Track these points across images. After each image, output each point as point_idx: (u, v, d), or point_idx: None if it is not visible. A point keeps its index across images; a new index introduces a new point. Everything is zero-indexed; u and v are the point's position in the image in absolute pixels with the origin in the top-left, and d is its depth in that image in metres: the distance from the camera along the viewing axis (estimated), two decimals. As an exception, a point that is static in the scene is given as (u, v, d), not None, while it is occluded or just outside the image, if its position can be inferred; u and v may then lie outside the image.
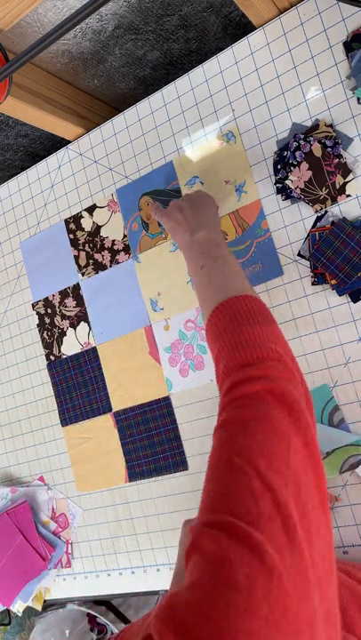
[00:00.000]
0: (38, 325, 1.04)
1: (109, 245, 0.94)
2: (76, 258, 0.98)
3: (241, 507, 0.34)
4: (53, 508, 1.01)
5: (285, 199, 0.78)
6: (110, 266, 0.94)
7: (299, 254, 0.77)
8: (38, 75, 0.91)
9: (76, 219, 0.98)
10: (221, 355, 0.49)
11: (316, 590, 0.32)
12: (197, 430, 0.86)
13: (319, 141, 0.74)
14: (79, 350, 0.98)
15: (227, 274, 0.58)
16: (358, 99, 0.72)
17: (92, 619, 1.27)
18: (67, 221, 1.00)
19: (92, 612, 1.12)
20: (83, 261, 0.97)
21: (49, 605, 1.18)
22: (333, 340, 0.75)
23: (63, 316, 1.00)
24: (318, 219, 0.75)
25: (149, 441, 0.91)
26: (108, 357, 0.95)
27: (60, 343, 1.01)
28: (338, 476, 0.74)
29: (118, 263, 0.93)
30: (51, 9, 0.79)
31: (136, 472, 0.92)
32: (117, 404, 0.94)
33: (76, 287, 0.99)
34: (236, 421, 0.41)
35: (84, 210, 0.97)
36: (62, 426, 1.01)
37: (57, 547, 0.98)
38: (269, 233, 0.79)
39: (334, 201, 0.74)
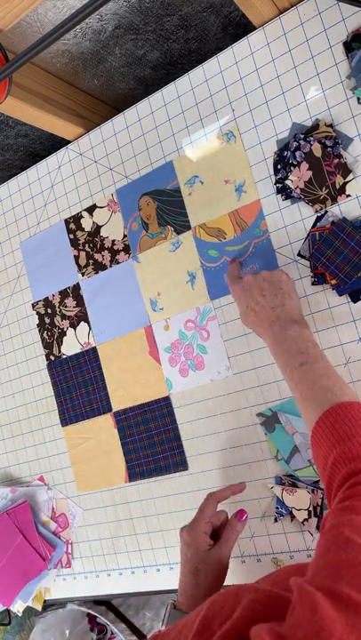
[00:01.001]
0: (38, 325, 1.04)
1: (109, 245, 0.94)
2: (76, 258, 0.98)
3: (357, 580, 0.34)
4: (53, 508, 1.01)
5: (285, 199, 0.78)
6: (110, 266, 0.94)
7: (299, 254, 0.77)
8: (38, 75, 0.91)
9: (76, 219, 0.98)
10: (335, 450, 0.50)
11: None
12: (197, 430, 0.86)
13: (319, 141, 0.74)
14: (79, 350, 0.98)
15: (330, 376, 0.59)
16: (358, 99, 0.72)
17: (92, 619, 1.27)
18: (67, 221, 1.00)
19: (92, 612, 1.12)
20: (83, 261, 0.97)
21: (49, 605, 1.18)
22: (333, 340, 0.75)
23: (63, 316, 1.00)
24: (318, 219, 0.75)
25: (149, 441, 0.91)
26: (108, 357, 0.95)
27: (60, 343, 1.01)
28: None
29: (118, 263, 0.93)
30: (51, 9, 0.79)
31: (136, 472, 0.92)
32: (117, 404, 0.94)
33: (76, 287, 0.99)
34: None
35: (84, 210, 0.98)
36: (62, 426, 1.01)
37: (57, 547, 0.98)
38: (268, 234, 0.79)
39: (334, 201, 0.74)
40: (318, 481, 0.76)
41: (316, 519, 0.74)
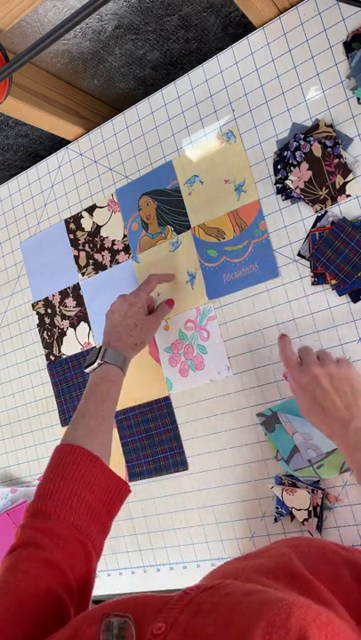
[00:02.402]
0: (38, 325, 1.04)
1: (109, 245, 0.94)
2: (76, 258, 0.98)
3: None
4: (53, 508, 1.01)
5: (285, 199, 0.78)
6: (110, 266, 0.94)
7: (299, 254, 0.77)
8: (38, 75, 0.91)
9: (76, 219, 0.98)
10: None
11: None
12: (197, 430, 0.86)
13: (319, 141, 0.74)
14: (79, 350, 0.98)
15: None
16: (358, 99, 0.72)
17: (91, 619, 1.27)
18: (67, 221, 1.00)
19: (92, 612, 1.12)
20: (83, 261, 0.97)
21: (49, 605, 1.18)
22: (333, 340, 0.75)
23: (63, 316, 1.00)
24: (318, 219, 0.75)
25: (149, 441, 0.91)
26: (108, 357, 0.95)
27: (60, 343, 1.01)
28: (338, 476, 0.74)
29: (118, 263, 0.93)
30: (51, 9, 0.79)
31: (136, 472, 0.92)
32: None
33: (76, 287, 0.99)
34: None
35: (84, 210, 0.97)
36: (62, 426, 1.01)
37: (57, 547, 0.98)
38: (267, 234, 0.79)
39: (334, 201, 0.74)
40: (318, 481, 0.76)
41: (316, 519, 0.74)
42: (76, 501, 0.59)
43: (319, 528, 0.75)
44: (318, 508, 0.74)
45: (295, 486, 0.76)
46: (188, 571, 0.87)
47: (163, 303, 0.86)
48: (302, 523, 0.75)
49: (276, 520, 0.78)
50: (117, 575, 0.95)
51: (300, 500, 0.75)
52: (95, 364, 0.75)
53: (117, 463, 0.94)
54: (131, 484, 0.93)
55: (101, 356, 0.75)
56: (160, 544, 0.90)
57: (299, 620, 0.33)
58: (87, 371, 0.76)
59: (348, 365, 0.66)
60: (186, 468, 0.87)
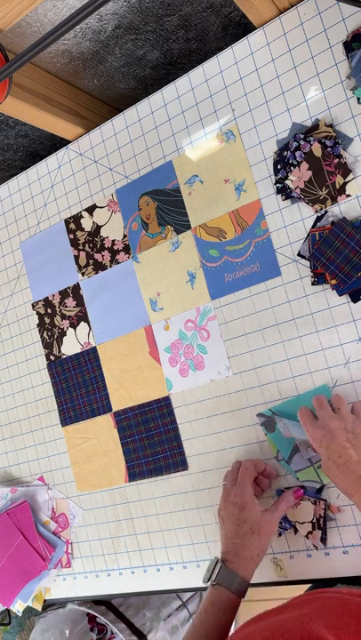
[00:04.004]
0: (38, 325, 1.04)
1: (109, 245, 0.95)
2: (76, 258, 0.98)
3: None
4: (53, 508, 1.01)
5: (285, 199, 0.78)
6: (110, 266, 0.94)
7: (299, 254, 0.77)
8: (38, 75, 0.91)
9: (76, 219, 0.98)
10: None
11: None
12: (197, 430, 0.86)
13: (319, 141, 0.74)
14: (79, 350, 0.98)
15: None
16: (358, 99, 0.72)
17: (92, 619, 1.27)
18: (67, 221, 1.00)
19: (92, 612, 1.12)
20: (83, 261, 0.98)
21: (49, 605, 1.18)
22: (333, 340, 0.75)
23: (63, 316, 1.00)
24: (318, 219, 0.75)
25: (149, 441, 0.91)
26: (108, 357, 0.95)
27: (60, 343, 1.01)
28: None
29: (118, 263, 0.93)
30: (51, 9, 0.79)
31: (136, 472, 0.92)
32: (117, 404, 0.94)
33: (76, 287, 0.99)
34: None
35: (84, 210, 0.98)
36: (62, 426, 1.01)
37: (57, 547, 0.98)
38: (268, 233, 0.79)
39: (334, 201, 0.74)
40: (321, 489, 0.75)
41: (320, 531, 0.74)
42: None
43: (324, 540, 0.74)
44: (322, 520, 0.74)
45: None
46: (188, 571, 0.87)
47: (284, 497, 0.73)
48: (306, 536, 0.75)
49: (279, 535, 0.78)
50: (117, 575, 0.95)
51: (302, 512, 0.75)
52: (208, 583, 0.68)
53: (117, 463, 0.94)
54: (131, 483, 0.93)
55: (215, 575, 0.68)
56: (160, 544, 0.90)
57: None
58: (205, 585, 0.69)
59: None
60: (186, 468, 0.87)
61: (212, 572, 0.68)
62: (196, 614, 0.68)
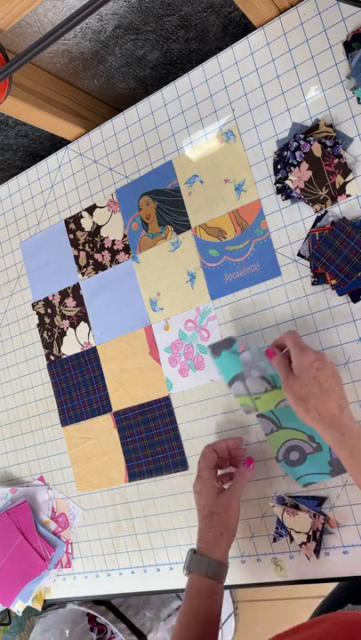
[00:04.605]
0: (38, 325, 1.04)
1: (109, 245, 0.95)
2: (76, 258, 0.98)
3: None
4: (53, 508, 1.01)
5: (285, 199, 0.78)
6: (110, 266, 0.94)
7: (299, 254, 0.77)
8: (38, 75, 0.91)
9: (76, 219, 0.98)
10: None
11: None
12: (197, 430, 0.86)
13: (319, 141, 0.74)
14: (79, 350, 0.98)
15: None
16: (358, 99, 0.72)
17: (92, 619, 1.27)
18: (67, 221, 1.00)
19: (92, 612, 1.12)
20: (83, 261, 0.98)
21: (49, 605, 1.18)
22: (333, 340, 0.75)
23: (63, 316, 1.00)
24: (318, 219, 0.75)
25: (149, 441, 0.91)
26: (108, 357, 0.95)
27: (60, 343, 1.01)
28: (338, 476, 0.74)
29: (118, 263, 0.93)
30: (51, 9, 0.79)
31: (136, 472, 0.92)
32: (117, 404, 0.94)
33: (76, 287, 0.99)
34: None
35: (84, 210, 0.98)
36: (62, 426, 1.01)
37: (57, 547, 0.98)
38: (268, 233, 0.79)
39: (334, 201, 0.74)
40: (321, 503, 0.75)
41: (315, 543, 0.74)
42: None
43: (317, 552, 0.74)
44: (318, 533, 0.74)
45: (297, 508, 0.75)
46: (188, 571, 0.87)
47: (238, 473, 0.75)
48: (300, 546, 0.75)
49: (275, 540, 0.78)
50: (117, 575, 0.95)
51: (300, 522, 0.75)
52: (184, 573, 0.70)
53: (117, 463, 0.94)
54: (131, 483, 0.93)
55: (187, 563, 0.70)
56: (160, 544, 0.90)
57: None
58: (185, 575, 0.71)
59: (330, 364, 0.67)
60: (186, 468, 0.87)
61: (186, 562, 0.71)
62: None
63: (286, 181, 0.77)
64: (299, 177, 0.75)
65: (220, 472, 0.78)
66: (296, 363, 0.67)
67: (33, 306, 1.04)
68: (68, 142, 1.00)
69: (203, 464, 0.76)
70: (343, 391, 0.65)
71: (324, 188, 0.74)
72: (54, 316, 1.01)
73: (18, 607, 0.99)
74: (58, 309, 1.01)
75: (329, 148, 0.73)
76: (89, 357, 0.97)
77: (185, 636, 0.66)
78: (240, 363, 0.75)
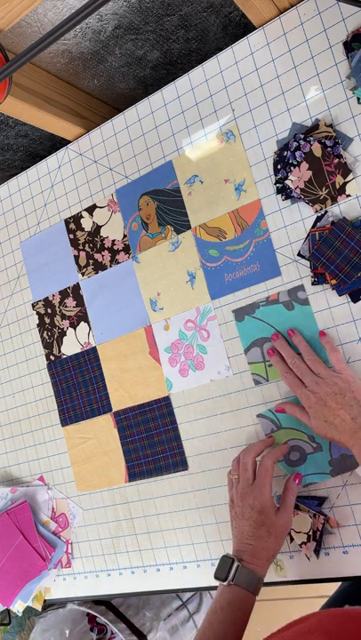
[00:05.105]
0: (38, 325, 1.04)
1: (109, 245, 0.95)
2: (76, 258, 0.98)
3: None
4: (53, 508, 1.01)
5: (285, 199, 0.78)
6: (110, 266, 0.94)
7: (299, 254, 0.77)
8: (38, 75, 0.91)
9: (76, 219, 0.98)
10: None
11: None
12: (197, 430, 0.86)
13: (319, 141, 0.74)
14: (79, 350, 0.98)
15: None
16: (358, 99, 0.72)
17: (92, 619, 1.27)
18: (67, 221, 1.00)
19: (92, 612, 1.12)
20: (83, 261, 0.98)
21: (49, 605, 1.18)
22: (333, 340, 0.75)
23: (63, 316, 1.00)
24: (318, 219, 0.75)
25: (149, 441, 0.91)
26: (108, 357, 0.95)
27: (60, 343, 1.01)
28: (338, 476, 0.74)
29: (118, 263, 0.93)
30: (51, 9, 0.79)
31: (136, 472, 0.92)
32: (117, 404, 0.94)
33: (76, 287, 0.99)
34: None
35: (84, 210, 0.98)
36: (62, 426, 1.01)
37: (57, 547, 0.98)
38: (268, 233, 0.79)
39: (334, 201, 0.74)
40: (321, 503, 0.75)
41: (315, 543, 0.74)
42: None
43: (317, 552, 0.74)
44: (318, 533, 0.74)
45: (297, 508, 0.75)
46: (188, 571, 0.87)
47: (288, 490, 0.73)
48: (300, 545, 0.75)
49: None
50: (117, 575, 0.95)
51: (300, 522, 0.74)
52: (225, 583, 0.68)
53: (117, 463, 0.94)
54: (131, 483, 0.93)
55: (233, 575, 0.68)
56: (160, 544, 0.90)
57: None
58: (217, 582, 0.70)
59: (347, 372, 0.71)
60: (186, 468, 0.87)
61: (229, 572, 0.68)
62: (209, 613, 0.68)
63: (286, 181, 0.77)
64: (299, 177, 0.75)
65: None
66: (305, 406, 0.71)
67: (33, 306, 1.04)
68: (68, 142, 1.00)
69: (265, 478, 0.72)
70: (354, 410, 0.66)
71: (324, 188, 0.74)
72: (54, 315, 1.01)
73: (18, 607, 0.99)
74: (58, 309, 1.01)
75: (329, 148, 0.73)
76: (89, 357, 0.97)
77: None
78: (261, 329, 0.79)
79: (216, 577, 0.69)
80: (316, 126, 0.75)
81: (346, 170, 0.73)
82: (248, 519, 0.70)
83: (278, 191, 0.78)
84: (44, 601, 1.02)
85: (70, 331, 0.99)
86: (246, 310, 0.81)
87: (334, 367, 0.72)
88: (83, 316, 0.98)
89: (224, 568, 0.69)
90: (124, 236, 0.93)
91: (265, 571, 0.69)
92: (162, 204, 0.89)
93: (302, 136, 0.75)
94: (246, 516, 0.71)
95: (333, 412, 0.67)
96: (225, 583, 0.68)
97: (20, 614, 1.01)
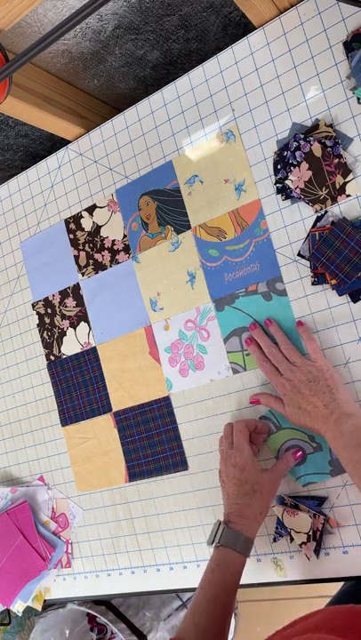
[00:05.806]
0: (38, 325, 1.04)
1: (109, 245, 0.95)
2: (76, 258, 0.98)
3: None
4: (53, 508, 1.01)
5: (285, 199, 0.78)
6: (110, 266, 0.94)
7: (299, 254, 0.77)
8: (38, 75, 0.91)
9: (76, 219, 0.99)
10: None
11: None
12: (197, 430, 0.86)
13: (319, 141, 0.74)
14: (79, 350, 0.98)
15: None
16: (358, 99, 0.72)
17: (92, 618, 1.27)
18: (67, 221, 1.00)
19: (92, 612, 1.12)
20: (83, 261, 0.98)
21: (49, 605, 1.18)
22: (333, 340, 0.75)
23: (63, 316, 1.00)
24: (318, 219, 0.75)
25: (149, 441, 0.91)
26: (108, 357, 0.95)
27: (60, 343, 1.01)
28: (338, 476, 0.74)
29: (118, 263, 0.94)
30: (51, 9, 0.79)
31: (136, 472, 0.92)
32: (117, 404, 0.94)
33: (76, 287, 0.99)
34: None
35: (84, 210, 0.98)
36: (62, 426, 1.01)
37: (57, 547, 0.98)
38: (268, 233, 0.79)
39: (334, 201, 0.74)
40: (321, 503, 0.75)
41: (315, 543, 0.74)
42: None
43: (317, 552, 0.74)
44: (318, 533, 0.74)
45: (297, 508, 0.75)
46: (188, 571, 0.87)
47: (283, 458, 0.75)
48: (300, 545, 0.75)
49: (275, 540, 0.78)
50: (117, 575, 0.95)
51: (300, 522, 0.74)
52: (213, 545, 0.69)
53: (117, 463, 0.94)
54: (131, 483, 0.93)
55: (219, 537, 0.69)
56: (160, 544, 0.90)
57: None
58: (209, 547, 0.71)
59: (321, 360, 0.72)
60: (186, 468, 0.87)
61: (216, 534, 0.70)
62: (202, 578, 0.69)
63: (286, 181, 0.77)
64: (299, 177, 0.75)
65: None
66: (280, 394, 0.74)
67: (33, 306, 1.04)
68: (68, 142, 1.00)
69: (240, 438, 0.75)
70: (326, 396, 0.69)
71: (324, 188, 0.74)
72: (54, 315, 1.01)
73: (18, 607, 0.99)
74: (58, 309, 1.01)
75: (329, 148, 0.73)
76: (89, 357, 0.97)
77: (214, 609, 0.66)
78: (240, 319, 0.81)
79: (208, 542, 0.71)
80: (316, 126, 0.75)
81: (346, 170, 0.73)
82: (232, 479, 0.73)
83: (278, 191, 0.78)
84: (44, 601, 1.02)
85: (70, 331, 0.99)
86: (226, 300, 0.82)
87: (310, 356, 0.74)
88: (83, 316, 0.98)
89: (213, 532, 0.71)
90: (124, 235, 0.93)
91: (253, 530, 0.70)
92: (162, 203, 0.89)
93: (302, 136, 0.75)
94: (230, 476, 0.73)
95: (307, 399, 0.69)
96: (212, 546, 0.70)
97: (20, 614, 1.01)
